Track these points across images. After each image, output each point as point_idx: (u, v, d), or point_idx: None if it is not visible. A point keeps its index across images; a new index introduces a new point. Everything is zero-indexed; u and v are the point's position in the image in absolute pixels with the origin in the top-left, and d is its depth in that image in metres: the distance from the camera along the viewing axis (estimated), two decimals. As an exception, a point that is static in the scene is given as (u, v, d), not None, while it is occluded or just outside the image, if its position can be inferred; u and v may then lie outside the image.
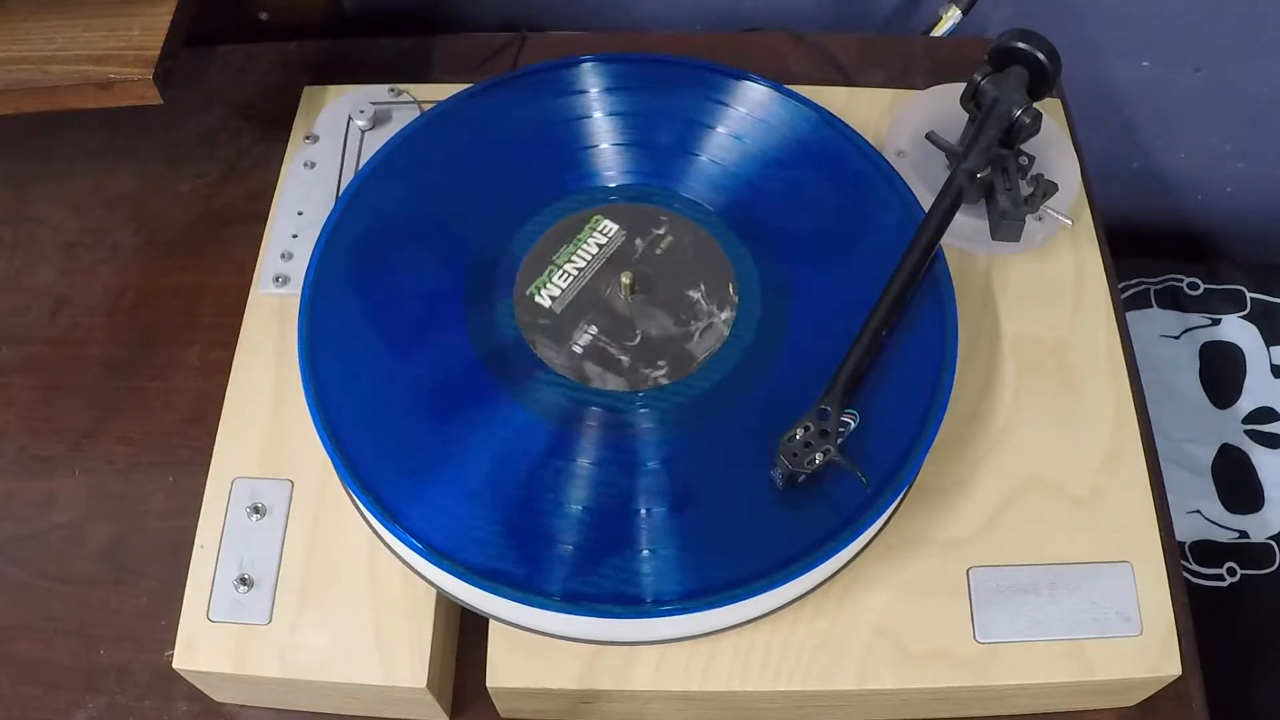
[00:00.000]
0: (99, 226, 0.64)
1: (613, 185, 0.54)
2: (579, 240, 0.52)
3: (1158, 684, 0.48)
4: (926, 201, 0.52)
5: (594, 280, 0.51)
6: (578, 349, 0.49)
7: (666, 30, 0.78)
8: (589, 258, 0.52)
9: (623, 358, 0.49)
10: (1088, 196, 0.58)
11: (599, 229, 0.52)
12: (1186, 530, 0.74)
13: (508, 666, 0.46)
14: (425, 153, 0.55)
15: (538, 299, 0.50)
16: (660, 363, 0.49)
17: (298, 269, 0.54)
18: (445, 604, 0.48)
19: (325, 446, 0.46)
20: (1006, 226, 0.52)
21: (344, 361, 0.49)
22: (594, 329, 0.50)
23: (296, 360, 0.48)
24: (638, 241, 0.52)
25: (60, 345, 0.60)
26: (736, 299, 0.50)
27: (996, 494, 0.50)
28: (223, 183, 0.65)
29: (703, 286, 0.51)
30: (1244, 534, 0.74)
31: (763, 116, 0.56)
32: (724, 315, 0.50)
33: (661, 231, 0.52)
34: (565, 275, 0.51)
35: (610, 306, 0.50)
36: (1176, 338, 0.82)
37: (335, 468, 0.46)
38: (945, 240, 0.50)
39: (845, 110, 0.57)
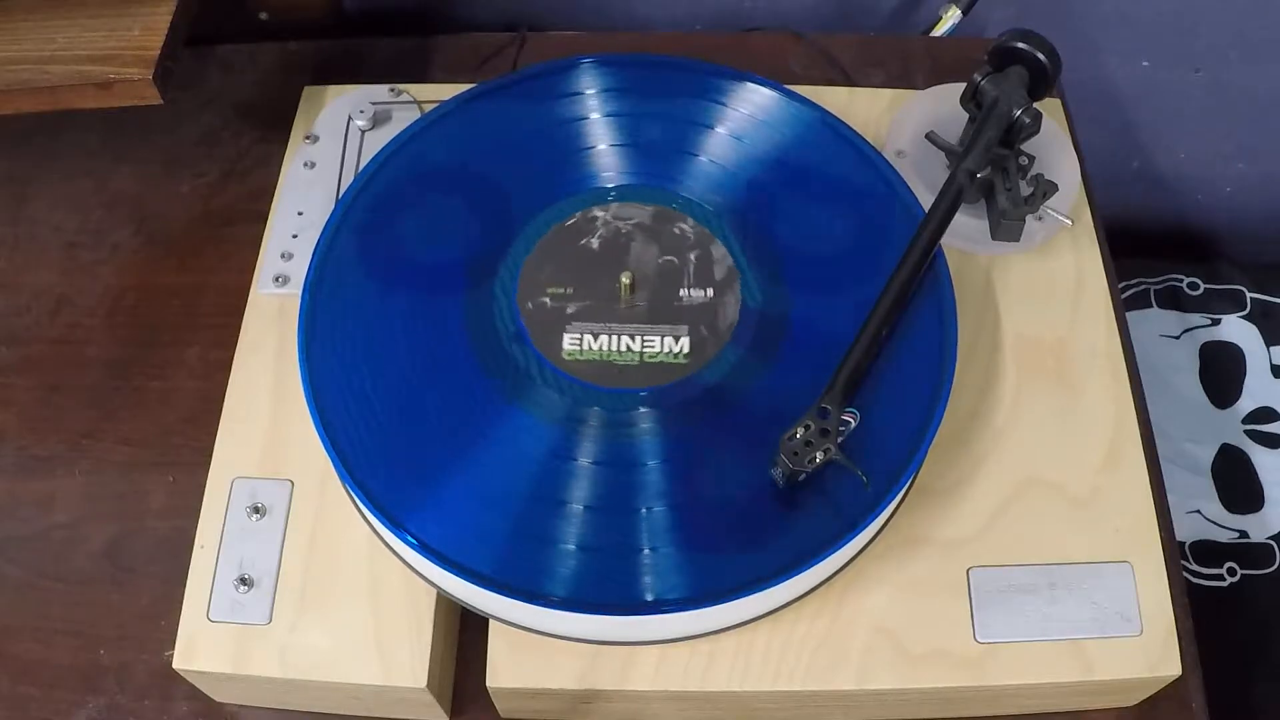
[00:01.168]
0: (99, 226, 0.64)
1: (612, 185, 0.54)
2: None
3: (1158, 684, 0.48)
4: (926, 201, 0.52)
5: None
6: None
7: (666, 30, 0.78)
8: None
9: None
10: (1088, 196, 0.58)
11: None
12: (1186, 530, 0.74)
13: (508, 666, 0.46)
14: (425, 153, 0.55)
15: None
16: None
17: (298, 269, 0.54)
18: (445, 604, 0.48)
19: (325, 446, 0.46)
20: (1006, 226, 0.52)
21: (344, 361, 0.49)
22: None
23: (296, 360, 0.48)
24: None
25: (60, 345, 0.60)
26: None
27: (996, 494, 0.50)
28: (223, 183, 0.65)
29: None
30: (1244, 534, 0.74)
31: (763, 117, 0.55)
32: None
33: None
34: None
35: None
36: (1176, 338, 0.82)
37: (335, 468, 0.46)
38: (945, 240, 0.50)
39: (845, 110, 0.57)
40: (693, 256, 0.52)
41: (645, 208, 0.53)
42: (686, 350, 0.49)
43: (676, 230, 0.52)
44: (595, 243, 0.52)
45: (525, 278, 0.51)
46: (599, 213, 0.53)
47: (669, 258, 0.52)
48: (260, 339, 0.53)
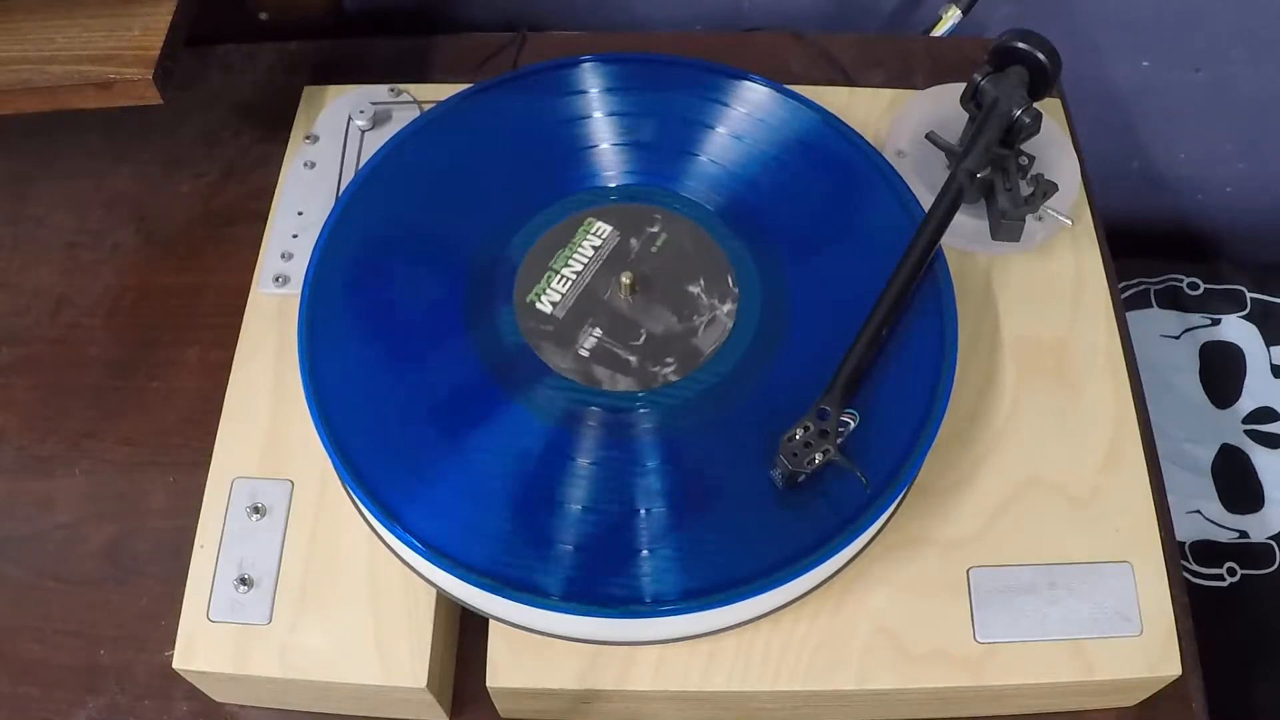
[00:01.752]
0: (99, 226, 0.64)
1: (612, 185, 0.54)
2: (578, 240, 0.52)
3: (1158, 684, 0.48)
4: (926, 201, 0.52)
5: (594, 280, 0.51)
6: (584, 352, 0.49)
7: (666, 30, 0.78)
8: (586, 260, 0.52)
9: (630, 358, 0.49)
10: (1088, 196, 0.58)
11: (593, 230, 0.52)
12: (1186, 530, 0.74)
13: (508, 666, 0.46)
14: (425, 153, 0.55)
15: (538, 300, 0.50)
16: (668, 359, 0.49)
17: (298, 269, 0.54)
18: (445, 604, 0.48)
19: (325, 446, 0.46)
20: (1006, 226, 0.52)
21: (344, 361, 0.49)
22: (595, 328, 0.50)
23: (296, 360, 0.48)
24: (633, 241, 0.52)
25: (60, 345, 0.60)
26: (737, 292, 0.50)
27: (996, 494, 0.50)
28: (223, 183, 0.65)
29: (702, 282, 0.51)
30: (1244, 534, 0.74)
31: (762, 116, 0.56)
32: (726, 308, 0.50)
33: (656, 230, 0.52)
34: (565, 276, 0.51)
35: (612, 307, 0.50)
36: (1176, 338, 0.82)
37: (335, 468, 0.46)
38: (945, 240, 0.50)
39: (845, 110, 0.57)
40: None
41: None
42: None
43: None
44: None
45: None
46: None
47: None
48: (260, 339, 0.53)
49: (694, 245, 0.52)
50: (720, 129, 0.55)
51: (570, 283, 0.51)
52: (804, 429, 0.45)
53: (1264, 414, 0.78)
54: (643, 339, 0.49)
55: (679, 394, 0.48)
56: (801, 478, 0.45)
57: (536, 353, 0.49)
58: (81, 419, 0.57)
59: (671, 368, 0.49)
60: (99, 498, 0.55)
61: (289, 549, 0.48)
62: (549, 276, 0.51)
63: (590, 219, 0.53)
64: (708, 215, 0.53)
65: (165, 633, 0.49)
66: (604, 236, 0.52)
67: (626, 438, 0.47)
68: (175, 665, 0.47)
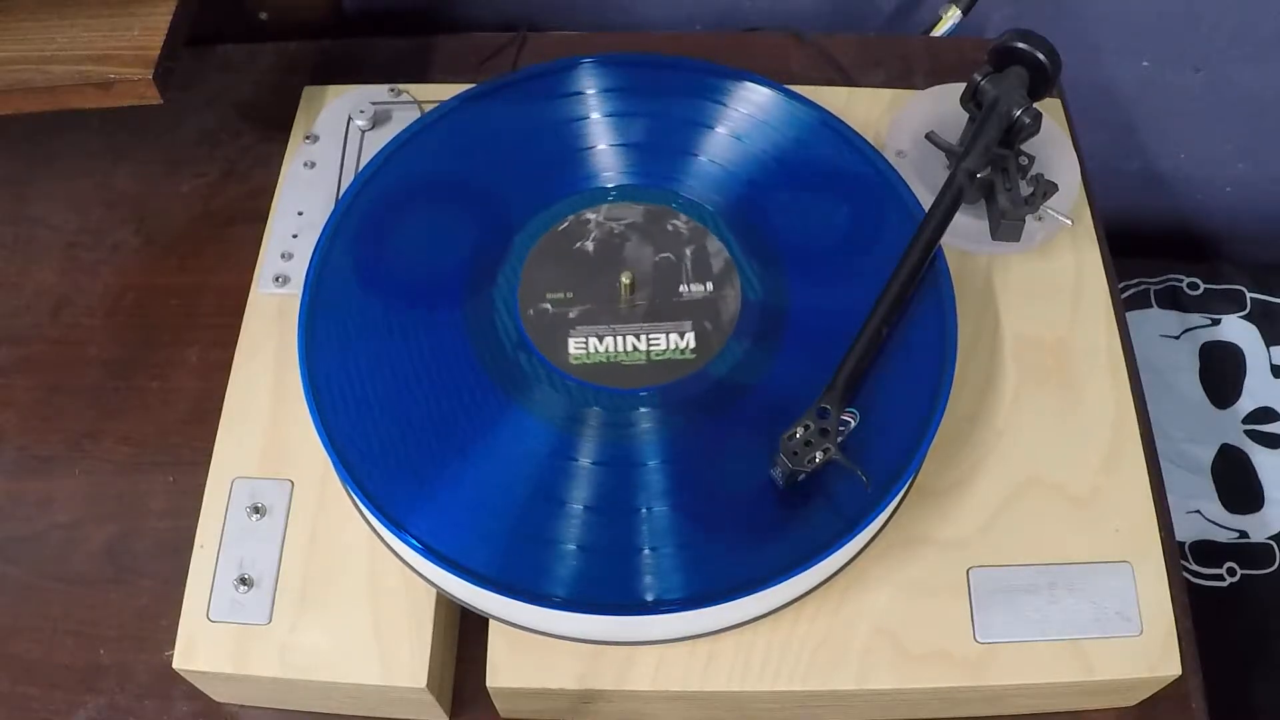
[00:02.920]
0: (99, 226, 0.64)
1: (612, 185, 0.54)
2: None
3: (1158, 684, 0.48)
4: (926, 201, 0.52)
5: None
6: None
7: (666, 30, 0.78)
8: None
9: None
10: (1088, 196, 0.58)
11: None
12: (1186, 530, 0.74)
13: (508, 666, 0.46)
14: (425, 154, 0.55)
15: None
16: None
17: (298, 269, 0.54)
18: (445, 604, 0.48)
19: (325, 447, 0.46)
20: (1006, 226, 0.52)
21: (344, 361, 0.49)
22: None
23: (296, 360, 0.48)
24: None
25: (60, 345, 0.60)
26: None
27: (996, 494, 0.50)
28: (223, 183, 0.65)
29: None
30: (1244, 534, 0.74)
31: (762, 117, 0.55)
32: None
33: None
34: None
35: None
36: (1176, 338, 0.82)
37: (335, 468, 0.46)
38: (945, 240, 0.50)
39: (845, 110, 0.57)
40: (692, 256, 0.52)
41: (646, 208, 0.53)
42: (686, 349, 0.49)
43: (676, 230, 0.52)
44: (595, 243, 0.52)
45: (526, 276, 0.51)
46: (598, 213, 0.53)
47: (668, 257, 0.52)
48: (260, 339, 0.53)
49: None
50: (720, 129, 0.55)
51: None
52: (804, 428, 0.45)
53: (1264, 414, 0.78)
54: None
55: (678, 395, 0.48)
56: (802, 477, 0.45)
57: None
58: (81, 419, 0.57)
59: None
60: (99, 498, 0.55)
61: (289, 549, 0.48)
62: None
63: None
64: (708, 215, 0.53)
65: (165, 633, 0.49)
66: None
67: (627, 438, 0.47)
68: (175, 665, 0.47)
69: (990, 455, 0.50)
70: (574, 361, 0.49)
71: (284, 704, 0.50)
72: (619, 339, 0.49)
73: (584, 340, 0.49)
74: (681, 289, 0.51)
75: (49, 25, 0.54)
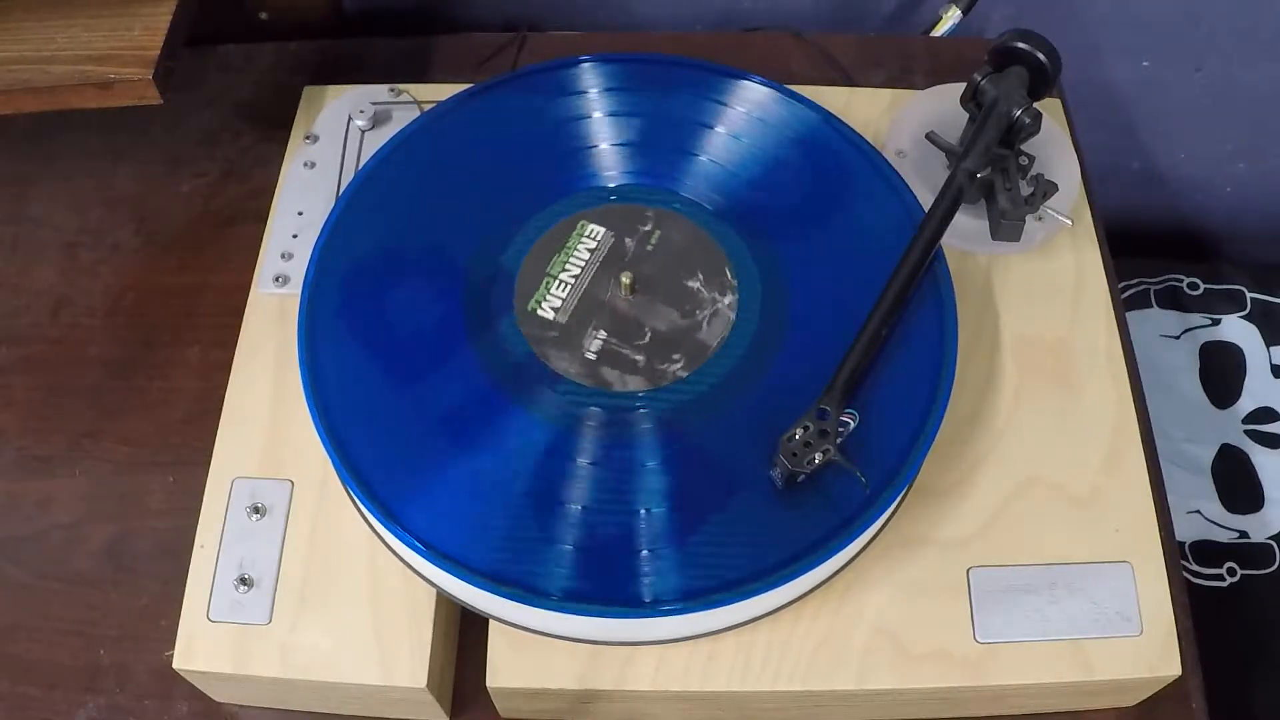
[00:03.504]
0: (99, 226, 0.64)
1: (612, 185, 0.54)
2: (578, 240, 0.52)
3: (1158, 684, 0.48)
4: (926, 201, 0.52)
5: (594, 282, 0.51)
6: (581, 349, 0.49)
7: (666, 30, 0.78)
8: (583, 262, 0.52)
9: (637, 357, 0.49)
10: (1088, 196, 0.58)
11: (588, 232, 0.52)
12: (1186, 530, 0.74)
13: (508, 666, 0.46)
14: (425, 153, 0.55)
15: (538, 299, 0.50)
16: (675, 356, 0.49)
17: (298, 269, 0.54)
18: (445, 604, 0.48)
19: (325, 446, 0.46)
20: (1006, 226, 0.52)
21: (344, 361, 0.49)
22: (594, 328, 0.50)
23: (296, 360, 0.48)
24: (628, 241, 0.52)
25: (60, 345, 0.60)
26: (736, 284, 0.50)
27: (996, 494, 0.50)
28: (223, 183, 0.65)
29: (701, 277, 0.51)
30: (1244, 534, 0.74)
31: (762, 116, 0.56)
32: (724, 314, 0.50)
33: (650, 229, 0.52)
34: (565, 276, 0.51)
35: (612, 306, 0.50)
36: (1176, 338, 0.82)
37: (335, 468, 0.46)
38: (945, 240, 0.50)
39: (845, 110, 0.57)
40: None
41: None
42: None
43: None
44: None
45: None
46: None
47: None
48: (260, 339, 0.53)
49: (694, 245, 0.52)
50: (720, 129, 0.55)
51: (570, 285, 0.51)
52: (804, 429, 0.45)
53: (1264, 414, 0.78)
54: (648, 337, 0.49)
55: (678, 394, 0.48)
56: (801, 477, 0.45)
57: (536, 351, 0.49)
58: (81, 419, 0.57)
59: (680, 364, 0.49)
60: (99, 498, 0.55)
61: (289, 549, 0.48)
62: (548, 279, 0.51)
63: (583, 222, 0.53)
64: (708, 215, 0.53)
65: (165, 633, 0.49)
66: (598, 238, 0.52)
67: (626, 437, 0.47)
68: (175, 665, 0.47)
69: (990, 455, 0.50)
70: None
71: (284, 704, 0.50)
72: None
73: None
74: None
75: (49, 25, 0.54)
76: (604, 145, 0.55)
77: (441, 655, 0.48)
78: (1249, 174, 0.89)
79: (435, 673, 0.47)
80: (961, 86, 0.54)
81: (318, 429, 0.47)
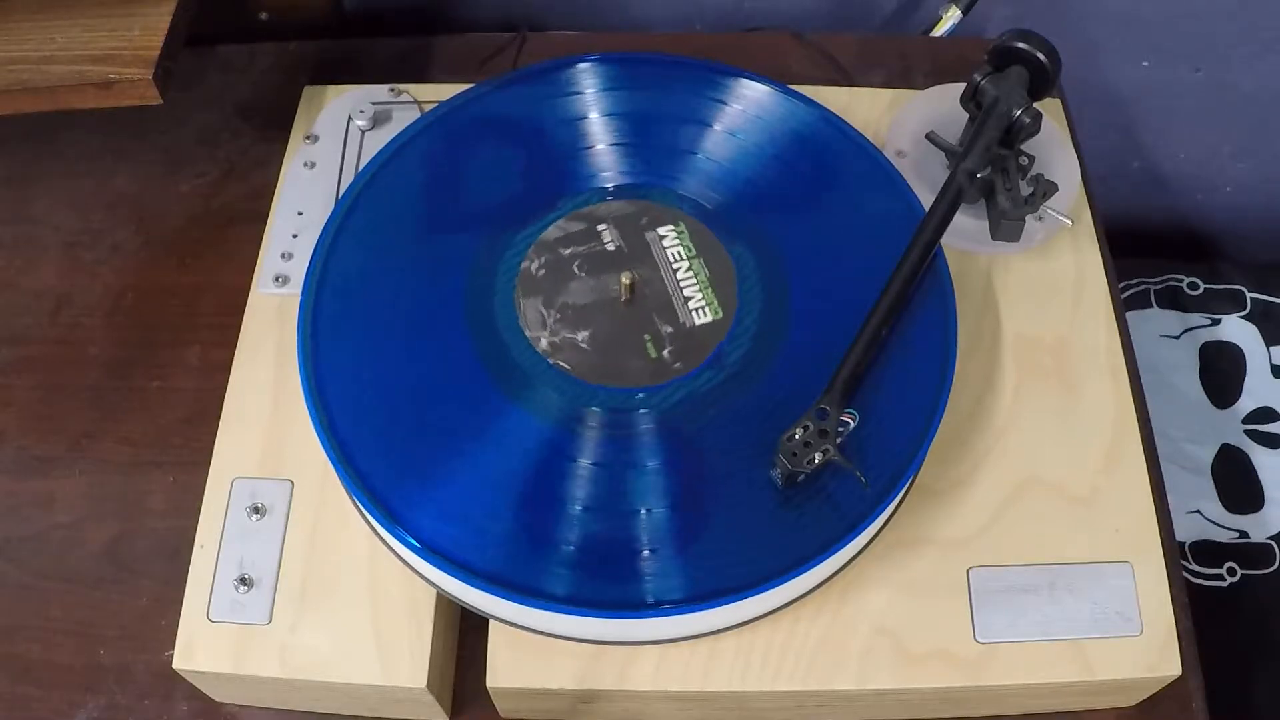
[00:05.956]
0: (99, 226, 0.64)
1: (612, 184, 0.54)
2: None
3: (1158, 684, 0.48)
4: (926, 201, 0.52)
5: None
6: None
7: (666, 30, 0.78)
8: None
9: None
10: (1088, 196, 0.58)
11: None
12: (1186, 530, 0.74)
13: (508, 666, 0.46)
14: (426, 153, 0.55)
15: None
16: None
17: (298, 269, 0.54)
18: (445, 604, 0.48)
19: (325, 446, 0.46)
20: (1006, 226, 0.52)
21: (344, 361, 0.49)
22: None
23: (296, 360, 0.48)
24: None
25: (60, 345, 0.60)
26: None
27: (996, 494, 0.50)
28: (223, 183, 0.65)
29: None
30: (1244, 534, 0.74)
31: (762, 116, 0.56)
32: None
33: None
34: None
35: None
36: (1176, 338, 0.82)
37: (335, 468, 0.46)
38: (945, 240, 0.50)
39: (845, 110, 0.57)
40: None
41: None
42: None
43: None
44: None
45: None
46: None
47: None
48: (260, 339, 0.53)
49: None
50: (720, 128, 0.55)
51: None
52: (803, 429, 0.45)
53: (1264, 414, 0.78)
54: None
55: (678, 394, 0.48)
56: (801, 477, 0.45)
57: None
58: (81, 419, 0.57)
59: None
60: (99, 498, 0.55)
61: (289, 549, 0.48)
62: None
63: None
64: (708, 214, 0.53)
65: (165, 633, 0.49)
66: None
67: (627, 437, 0.47)
68: (175, 665, 0.47)
69: (990, 455, 0.50)
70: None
71: (284, 704, 0.50)
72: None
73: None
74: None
75: (49, 25, 0.54)
76: (603, 145, 0.55)
77: (441, 655, 0.48)
78: (1249, 174, 0.89)
79: (435, 673, 0.47)
80: (961, 86, 0.54)
81: (317, 429, 0.47)
